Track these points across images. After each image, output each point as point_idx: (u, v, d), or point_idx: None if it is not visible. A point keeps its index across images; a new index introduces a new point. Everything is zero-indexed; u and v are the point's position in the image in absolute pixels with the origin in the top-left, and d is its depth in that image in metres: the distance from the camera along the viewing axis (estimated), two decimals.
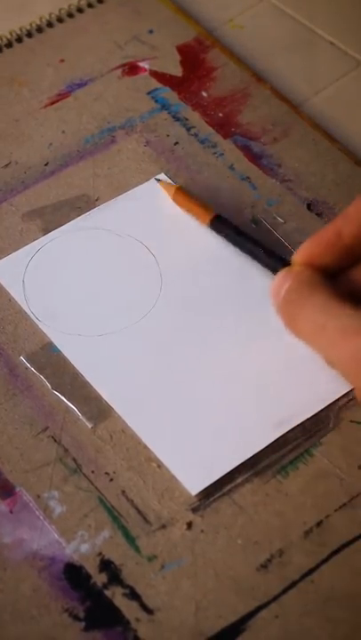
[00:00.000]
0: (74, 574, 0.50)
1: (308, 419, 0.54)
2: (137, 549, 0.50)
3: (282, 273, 0.51)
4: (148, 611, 0.48)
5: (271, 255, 0.57)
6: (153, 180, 0.64)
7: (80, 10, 0.74)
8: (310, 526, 0.51)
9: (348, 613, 0.48)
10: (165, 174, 0.64)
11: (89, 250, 0.61)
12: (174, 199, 0.62)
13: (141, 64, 0.70)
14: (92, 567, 0.50)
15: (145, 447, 0.53)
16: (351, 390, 0.54)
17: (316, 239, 0.51)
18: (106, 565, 0.50)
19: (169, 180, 0.63)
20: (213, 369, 0.56)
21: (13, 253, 0.61)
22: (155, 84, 0.69)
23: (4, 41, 0.72)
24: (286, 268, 0.52)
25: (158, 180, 0.63)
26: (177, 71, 0.70)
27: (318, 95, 0.70)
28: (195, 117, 0.67)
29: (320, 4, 0.75)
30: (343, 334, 0.47)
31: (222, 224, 0.60)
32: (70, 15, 0.73)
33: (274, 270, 0.55)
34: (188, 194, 0.62)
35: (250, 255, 0.58)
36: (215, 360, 0.56)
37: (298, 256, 0.52)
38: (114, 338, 0.57)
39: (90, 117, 0.67)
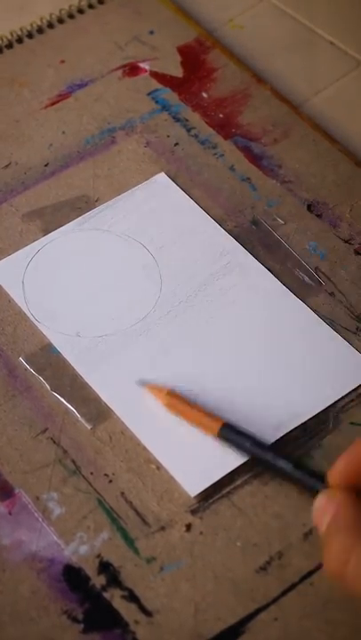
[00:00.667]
0: (73, 576, 0.49)
1: (307, 420, 0.54)
2: (136, 551, 0.50)
3: (322, 498, 0.47)
4: (147, 613, 0.48)
5: (299, 466, 0.51)
6: (153, 181, 0.64)
7: (80, 10, 0.74)
8: (310, 528, 0.51)
9: (347, 616, 0.48)
10: (166, 175, 0.64)
11: (89, 251, 0.61)
12: (167, 405, 0.54)
13: (142, 65, 0.70)
14: (90, 569, 0.50)
15: (144, 449, 0.53)
16: (352, 391, 0.54)
17: (348, 457, 0.48)
18: (105, 567, 0.50)
19: (169, 182, 0.63)
20: (213, 370, 0.56)
21: (13, 254, 0.60)
22: (155, 84, 0.69)
23: (5, 41, 0.72)
24: (327, 492, 0.47)
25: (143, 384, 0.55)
26: (177, 72, 0.70)
27: (318, 95, 0.70)
28: (195, 118, 0.67)
29: (320, 4, 0.75)
30: None
31: (232, 432, 0.52)
32: (71, 16, 0.73)
33: (302, 483, 0.51)
34: (182, 397, 0.54)
35: (266, 466, 0.52)
36: (215, 361, 0.56)
37: (333, 478, 0.48)
38: (113, 339, 0.57)
39: (90, 118, 0.67)
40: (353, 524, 0.45)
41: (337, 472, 0.47)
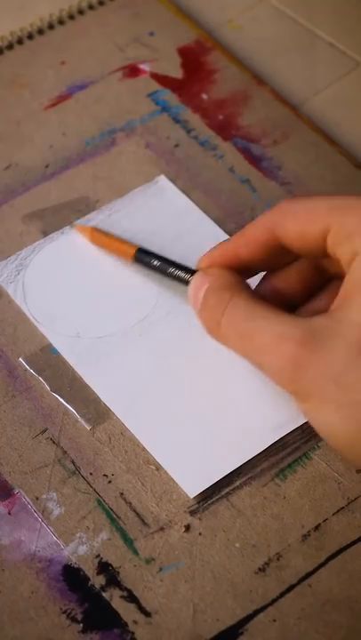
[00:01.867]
0: (72, 576, 0.50)
1: (306, 422, 0.54)
2: (135, 552, 0.50)
3: (198, 275, 0.51)
4: (146, 613, 0.49)
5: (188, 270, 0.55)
6: (153, 182, 0.64)
7: (81, 11, 0.74)
8: (308, 530, 0.51)
9: (345, 617, 0.48)
10: (165, 176, 0.64)
11: (88, 252, 0.61)
12: (92, 240, 0.61)
13: (142, 66, 0.71)
14: (90, 569, 0.50)
15: (143, 449, 0.53)
16: None
17: (216, 252, 0.52)
18: (104, 567, 0.50)
19: (168, 183, 0.63)
20: (212, 371, 0.56)
21: (13, 255, 0.61)
22: (155, 86, 0.69)
23: (5, 42, 0.72)
24: (202, 270, 0.52)
25: (72, 226, 0.62)
26: (177, 73, 0.70)
27: (318, 96, 0.70)
28: (195, 120, 0.67)
29: (320, 5, 0.75)
30: (279, 340, 0.46)
31: (145, 254, 0.58)
32: (71, 17, 0.73)
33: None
34: (104, 233, 0.61)
35: (169, 276, 0.57)
36: (214, 363, 0.56)
37: (202, 264, 0.52)
38: (113, 340, 0.57)
39: (90, 119, 0.67)
40: (229, 283, 0.50)
41: (204, 261, 0.52)
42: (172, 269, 0.56)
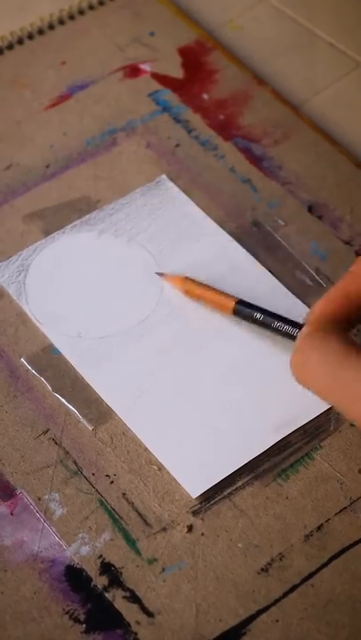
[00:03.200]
0: (74, 576, 0.50)
1: (308, 422, 0.54)
2: (137, 552, 0.50)
3: (305, 328, 0.49)
4: (149, 614, 0.49)
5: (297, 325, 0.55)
6: (154, 182, 0.64)
7: (81, 12, 0.74)
8: (311, 530, 0.51)
9: (348, 617, 0.48)
10: (166, 176, 0.64)
11: (90, 252, 0.61)
12: (184, 292, 0.59)
13: (142, 66, 0.71)
14: (92, 569, 0.50)
15: (145, 450, 0.53)
16: None
17: (326, 299, 0.49)
18: (106, 568, 0.50)
19: (169, 184, 0.63)
20: (214, 372, 0.56)
21: (14, 255, 0.61)
22: (156, 86, 0.69)
23: (5, 42, 0.72)
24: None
25: (161, 275, 0.60)
26: (178, 73, 0.70)
27: (318, 96, 0.70)
28: (196, 119, 0.67)
29: (320, 5, 0.75)
30: None
31: (246, 307, 0.57)
32: (71, 17, 0.73)
33: None
34: (198, 283, 0.58)
35: (276, 332, 0.56)
36: (216, 363, 0.56)
37: (311, 316, 0.49)
38: (114, 340, 0.57)
39: (91, 119, 0.67)
40: (324, 327, 0.47)
41: (313, 312, 0.49)
42: (279, 324, 0.55)
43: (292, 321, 0.55)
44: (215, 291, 0.58)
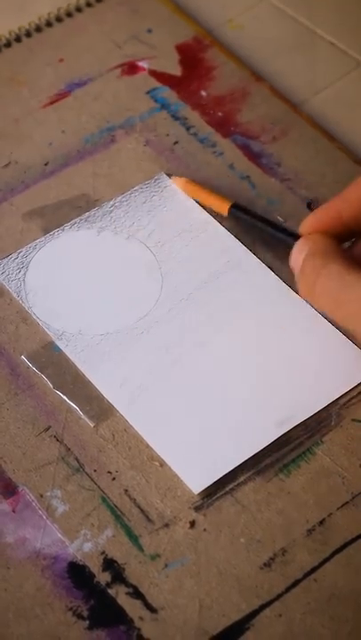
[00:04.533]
0: (77, 573, 0.50)
1: (310, 417, 0.54)
2: (140, 548, 0.50)
3: (299, 241, 0.53)
4: (152, 609, 0.49)
5: (290, 233, 0.57)
6: (153, 179, 0.64)
7: (79, 9, 0.74)
8: (313, 525, 0.51)
9: (351, 611, 0.48)
10: (165, 174, 0.64)
11: (89, 249, 0.61)
12: (185, 190, 0.63)
13: (140, 63, 0.71)
14: (95, 566, 0.50)
15: (147, 446, 0.53)
16: (354, 388, 0.55)
17: (318, 215, 0.53)
18: (109, 564, 0.50)
19: (168, 181, 0.63)
20: (215, 367, 0.56)
21: (14, 253, 0.61)
22: (154, 83, 0.69)
23: (3, 41, 0.72)
24: (303, 237, 0.53)
25: (169, 176, 0.63)
26: (176, 70, 0.70)
27: (318, 95, 0.70)
28: (194, 117, 0.67)
29: (320, 4, 0.75)
30: None
31: (240, 210, 0.61)
32: (69, 14, 0.73)
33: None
34: (199, 185, 0.63)
35: (269, 235, 0.59)
36: (217, 358, 0.56)
37: (303, 228, 0.53)
38: (115, 337, 0.57)
39: (89, 117, 0.67)
40: (324, 250, 0.51)
41: (308, 223, 0.53)
42: (274, 231, 0.58)
43: (288, 229, 0.57)
44: (213, 193, 0.62)
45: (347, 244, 0.54)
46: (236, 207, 0.61)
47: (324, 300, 0.50)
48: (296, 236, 0.54)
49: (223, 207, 0.61)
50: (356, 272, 0.49)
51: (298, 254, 0.52)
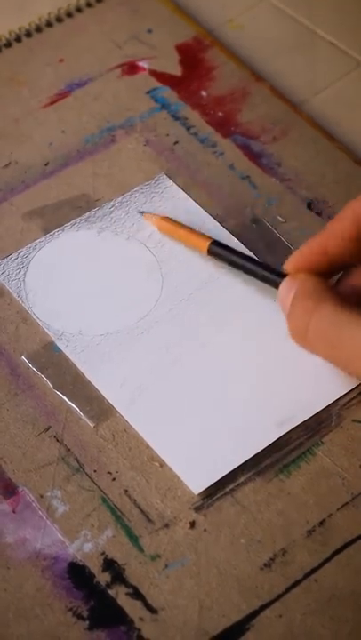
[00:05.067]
0: (77, 573, 0.50)
1: (310, 418, 0.54)
2: (140, 548, 0.50)
3: (286, 281, 0.52)
4: (152, 610, 0.49)
5: (273, 271, 0.56)
6: (153, 180, 0.64)
7: (79, 9, 0.74)
8: (313, 525, 0.51)
9: (351, 612, 0.48)
10: (165, 174, 0.64)
11: (90, 249, 0.61)
12: (160, 229, 0.61)
13: (140, 63, 0.71)
14: (95, 566, 0.50)
15: (147, 446, 0.53)
16: (354, 389, 0.55)
17: (303, 253, 0.52)
18: (109, 564, 0.50)
19: (169, 181, 0.63)
20: (215, 368, 0.56)
21: (14, 253, 0.61)
22: (154, 83, 0.69)
23: (3, 41, 0.72)
24: (289, 276, 0.52)
25: (142, 213, 0.62)
26: (176, 70, 0.70)
27: (318, 95, 0.70)
28: (194, 117, 0.67)
29: (320, 4, 0.75)
30: None
31: (220, 248, 0.59)
32: (69, 15, 0.73)
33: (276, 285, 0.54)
34: (175, 222, 0.61)
35: (251, 274, 0.57)
36: (217, 359, 0.56)
37: (289, 266, 0.53)
38: (115, 337, 0.57)
39: (90, 117, 0.67)
40: (314, 291, 0.50)
41: (293, 261, 0.52)
42: (259, 270, 0.56)
43: (272, 268, 0.56)
44: (190, 230, 0.59)
45: (334, 279, 0.54)
46: (215, 244, 0.59)
47: (320, 343, 0.49)
48: (280, 274, 0.54)
49: (202, 245, 0.59)
50: (349, 310, 0.48)
51: (286, 294, 0.51)
